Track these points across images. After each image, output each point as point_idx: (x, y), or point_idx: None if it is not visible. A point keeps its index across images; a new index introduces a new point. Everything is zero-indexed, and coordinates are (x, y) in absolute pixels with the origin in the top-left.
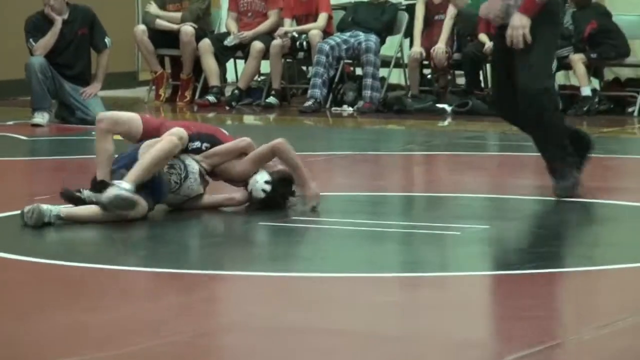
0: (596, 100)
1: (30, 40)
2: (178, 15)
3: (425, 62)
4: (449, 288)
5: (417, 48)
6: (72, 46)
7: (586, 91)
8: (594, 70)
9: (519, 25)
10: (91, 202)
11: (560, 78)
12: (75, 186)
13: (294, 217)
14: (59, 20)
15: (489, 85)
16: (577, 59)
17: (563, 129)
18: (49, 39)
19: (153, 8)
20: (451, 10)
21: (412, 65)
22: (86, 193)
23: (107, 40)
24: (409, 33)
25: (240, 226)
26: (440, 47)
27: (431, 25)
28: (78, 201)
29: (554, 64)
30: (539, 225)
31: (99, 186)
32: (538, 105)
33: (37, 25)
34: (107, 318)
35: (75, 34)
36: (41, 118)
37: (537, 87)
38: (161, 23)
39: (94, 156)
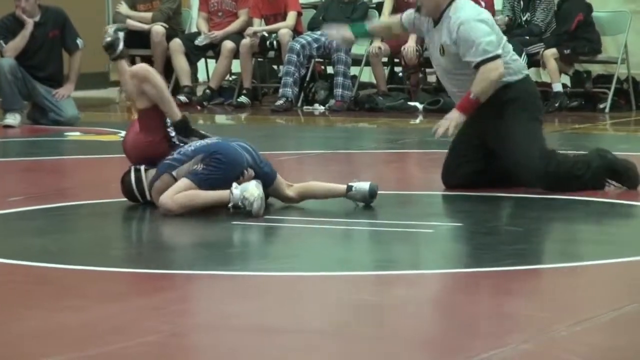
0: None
1: (1, 42)
2: (149, 15)
3: (396, 60)
4: (423, 286)
5: (376, 43)
6: (43, 48)
7: (557, 87)
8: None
9: (450, 118)
10: None
11: (531, 75)
12: (48, 187)
13: (266, 217)
14: (30, 23)
15: None
16: (549, 55)
17: (575, 174)
18: (19, 41)
19: (124, 8)
20: None
21: (373, 61)
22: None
23: (79, 41)
24: None
25: (214, 225)
26: (410, 45)
27: None
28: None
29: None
30: (513, 222)
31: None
32: (540, 178)
33: (8, 27)
34: (84, 319)
35: (47, 35)
36: (13, 119)
37: (532, 163)
38: (132, 23)
39: (67, 157)
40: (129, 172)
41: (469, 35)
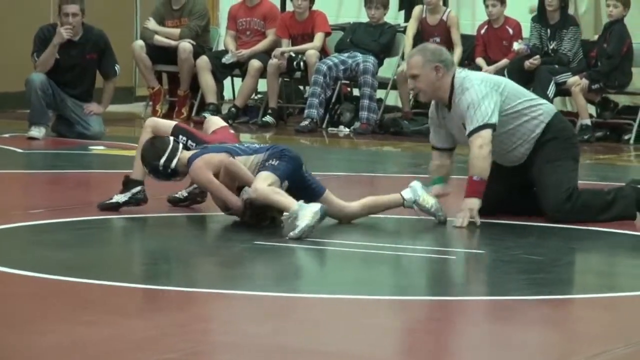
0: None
1: (35, 54)
2: (176, 31)
3: None
4: (441, 312)
5: (404, 66)
6: (77, 68)
7: (586, 121)
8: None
9: (469, 206)
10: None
11: (557, 104)
12: (71, 200)
13: (289, 237)
14: (60, 34)
15: None
16: (578, 91)
17: (601, 206)
18: (48, 54)
19: (152, 24)
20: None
21: (400, 80)
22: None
23: (117, 67)
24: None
25: (237, 245)
26: None
27: None
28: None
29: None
30: (534, 251)
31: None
32: (568, 215)
33: (47, 38)
34: (105, 334)
35: (84, 57)
36: (37, 132)
37: (560, 200)
38: (160, 39)
39: (90, 171)
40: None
41: (465, 102)
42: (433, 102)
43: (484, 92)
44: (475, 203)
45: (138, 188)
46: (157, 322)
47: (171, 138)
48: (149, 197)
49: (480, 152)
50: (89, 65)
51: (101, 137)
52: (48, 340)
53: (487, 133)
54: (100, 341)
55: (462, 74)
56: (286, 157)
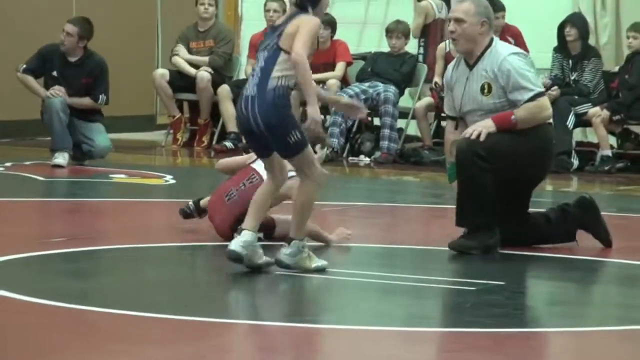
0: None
1: (25, 64)
2: (205, 59)
3: (442, 114)
4: (458, 344)
5: (428, 99)
6: (73, 90)
7: (607, 152)
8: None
9: (483, 125)
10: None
11: (578, 135)
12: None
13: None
14: (51, 91)
15: None
16: (598, 122)
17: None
18: (32, 87)
19: (182, 51)
20: None
21: (419, 115)
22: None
23: (102, 97)
24: None
25: (256, 274)
26: None
27: None
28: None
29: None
30: (555, 283)
31: None
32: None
33: (44, 56)
34: None
35: (80, 80)
36: (62, 159)
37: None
38: (178, 62)
39: (111, 199)
40: None
41: (514, 70)
42: (450, 65)
43: (525, 61)
44: (491, 127)
45: None
46: (174, 352)
47: None
48: (169, 228)
49: (542, 113)
50: (85, 89)
51: (106, 154)
52: None
53: (547, 100)
54: None
55: (499, 42)
56: None
